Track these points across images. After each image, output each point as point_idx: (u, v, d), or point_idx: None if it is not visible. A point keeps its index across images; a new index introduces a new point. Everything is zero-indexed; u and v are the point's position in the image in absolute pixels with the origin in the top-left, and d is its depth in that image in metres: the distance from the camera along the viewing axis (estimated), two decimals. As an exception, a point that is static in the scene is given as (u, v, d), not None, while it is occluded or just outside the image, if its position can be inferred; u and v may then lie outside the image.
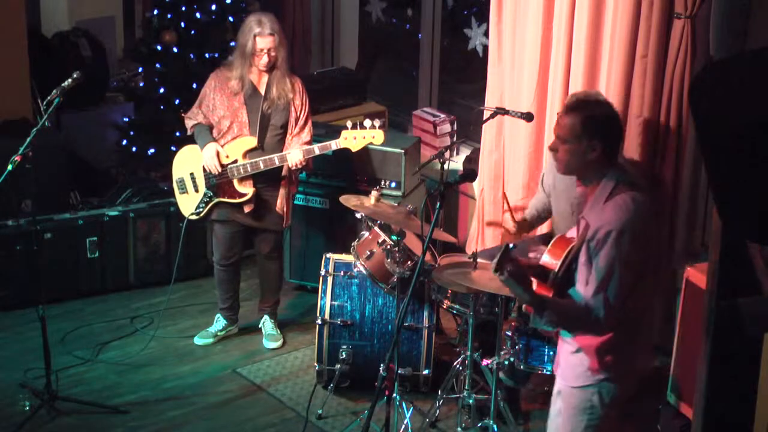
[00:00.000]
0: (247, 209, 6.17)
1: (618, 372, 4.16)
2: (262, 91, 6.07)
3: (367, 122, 5.94)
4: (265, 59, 5.99)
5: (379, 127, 5.92)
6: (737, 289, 3.53)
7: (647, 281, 4.16)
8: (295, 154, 5.98)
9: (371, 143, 5.97)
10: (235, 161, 6.09)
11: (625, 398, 4.24)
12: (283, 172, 6.12)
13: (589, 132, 4.03)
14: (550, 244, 4.17)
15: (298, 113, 6.10)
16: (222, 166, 6.07)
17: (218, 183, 6.14)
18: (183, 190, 6.28)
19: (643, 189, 4.13)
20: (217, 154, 6.05)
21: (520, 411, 5.74)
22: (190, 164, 6.24)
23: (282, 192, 6.17)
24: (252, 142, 6.07)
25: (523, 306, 4.15)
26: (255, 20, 6.01)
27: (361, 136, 5.93)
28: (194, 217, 6.27)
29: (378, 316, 5.86)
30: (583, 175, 4.13)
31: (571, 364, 4.21)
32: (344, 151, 6.03)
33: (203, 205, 6.21)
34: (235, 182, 6.11)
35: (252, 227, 6.31)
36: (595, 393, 4.17)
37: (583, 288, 4.02)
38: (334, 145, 5.97)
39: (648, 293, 4.24)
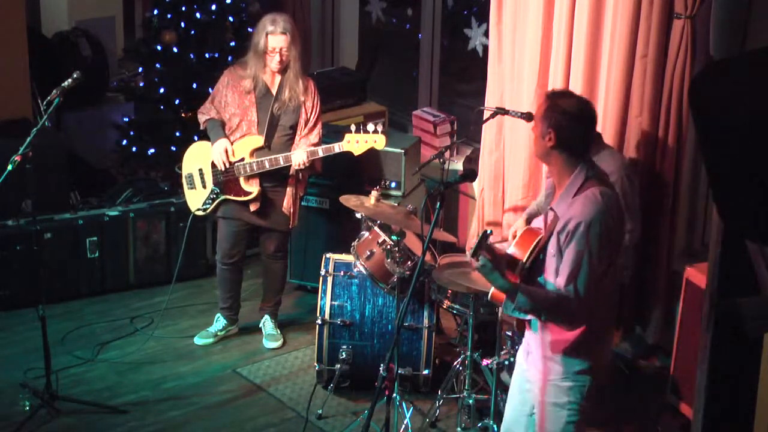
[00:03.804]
0: (253, 207, 6.17)
1: (592, 365, 4.20)
2: (274, 92, 6.08)
3: (371, 126, 5.95)
4: (277, 58, 5.98)
5: (382, 132, 5.94)
6: (737, 289, 3.53)
7: (611, 275, 4.20)
8: (298, 154, 5.99)
9: (373, 147, 5.98)
10: (242, 159, 6.09)
11: (598, 389, 4.27)
12: (290, 172, 6.12)
13: (547, 120, 4.14)
14: (517, 236, 4.25)
15: (308, 115, 6.10)
16: (229, 163, 6.08)
17: (225, 180, 6.15)
18: (191, 185, 6.29)
19: (611, 185, 4.22)
20: (226, 150, 6.06)
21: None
22: (199, 160, 6.25)
23: (289, 192, 6.16)
24: (259, 141, 6.07)
25: (489, 295, 4.21)
26: (269, 19, 6.03)
27: (364, 140, 5.94)
28: (201, 213, 6.28)
29: (378, 316, 5.86)
30: (549, 164, 4.22)
31: (544, 358, 4.23)
32: (345, 152, 6.04)
33: (210, 201, 6.22)
34: (242, 180, 6.12)
35: (258, 226, 6.31)
36: (572, 387, 4.20)
37: (553, 278, 4.09)
38: (337, 147, 5.98)
39: (612, 287, 4.30)
